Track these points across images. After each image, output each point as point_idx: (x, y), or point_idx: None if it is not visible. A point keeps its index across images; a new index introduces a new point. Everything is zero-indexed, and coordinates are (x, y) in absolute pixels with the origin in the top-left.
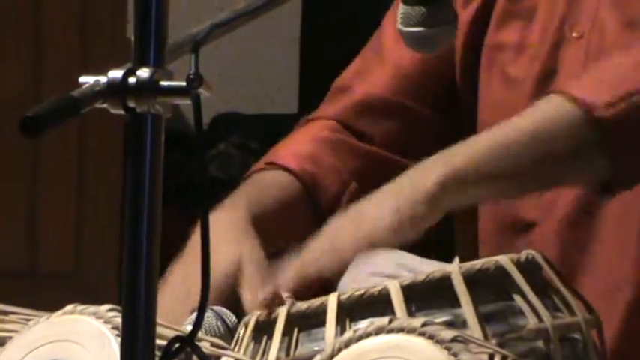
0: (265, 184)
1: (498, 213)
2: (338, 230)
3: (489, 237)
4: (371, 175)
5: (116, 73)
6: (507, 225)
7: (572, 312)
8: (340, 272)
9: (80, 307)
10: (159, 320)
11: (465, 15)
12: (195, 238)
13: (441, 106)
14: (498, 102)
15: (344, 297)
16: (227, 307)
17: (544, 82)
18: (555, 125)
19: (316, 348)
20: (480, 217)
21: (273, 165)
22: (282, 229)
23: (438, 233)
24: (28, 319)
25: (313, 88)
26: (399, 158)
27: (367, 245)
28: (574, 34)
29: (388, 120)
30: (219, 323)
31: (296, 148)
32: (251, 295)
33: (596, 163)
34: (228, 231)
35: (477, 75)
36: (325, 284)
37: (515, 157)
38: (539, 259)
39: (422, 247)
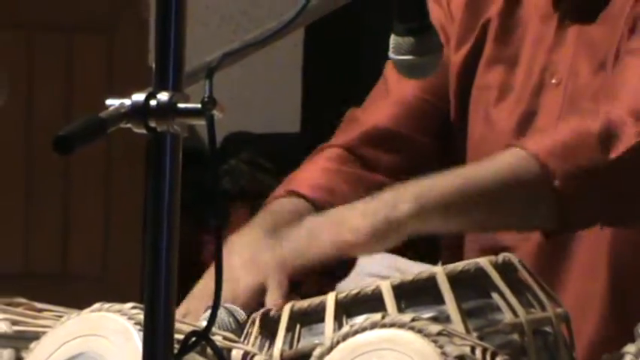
0: (287, 209)
1: (481, 238)
2: (318, 230)
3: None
4: None
5: (139, 97)
6: (488, 248)
7: (543, 308)
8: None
9: (106, 305)
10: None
11: (458, 57)
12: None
13: (438, 135)
14: (479, 139)
15: (341, 296)
16: None
17: (525, 123)
18: (515, 180)
19: (317, 342)
20: (465, 244)
21: (292, 193)
22: None
23: (427, 259)
24: (60, 316)
25: (314, 110)
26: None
27: (341, 251)
28: (553, 81)
29: (391, 148)
30: (230, 320)
31: (312, 178)
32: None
33: (545, 218)
34: (252, 255)
35: (467, 112)
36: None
37: (475, 203)
38: (514, 261)
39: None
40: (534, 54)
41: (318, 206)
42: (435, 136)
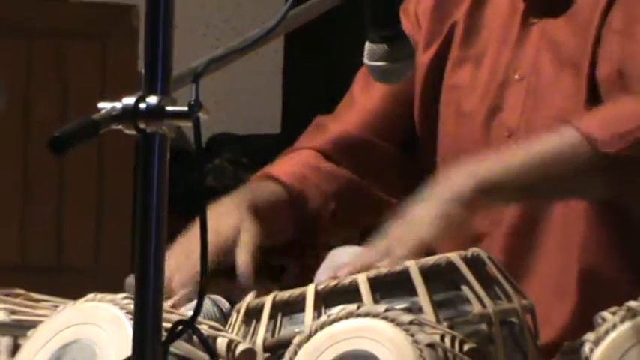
0: (262, 188)
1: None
2: (401, 233)
3: (446, 247)
4: (346, 197)
5: (129, 100)
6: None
7: (510, 300)
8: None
9: (99, 295)
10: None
11: (425, 58)
12: (196, 223)
13: (400, 141)
14: (453, 134)
15: (320, 287)
16: (224, 268)
17: (491, 116)
18: (572, 151)
19: (297, 330)
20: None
21: (270, 177)
22: (267, 224)
23: None
24: (56, 306)
25: (293, 113)
26: (368, 184)
27: (422, 244)
28: (516, 76)
29: (358, 153)
30: (215, 309)
31: (288, 167)
32: (244, 257)
33: (595, 185)
34: (232, 209)
35: (434, 111)
36: None
37: (535, 175)
38: (483, 256)
39: None
40: (499, 52)
41: (291, 191)
42: (399, 142)
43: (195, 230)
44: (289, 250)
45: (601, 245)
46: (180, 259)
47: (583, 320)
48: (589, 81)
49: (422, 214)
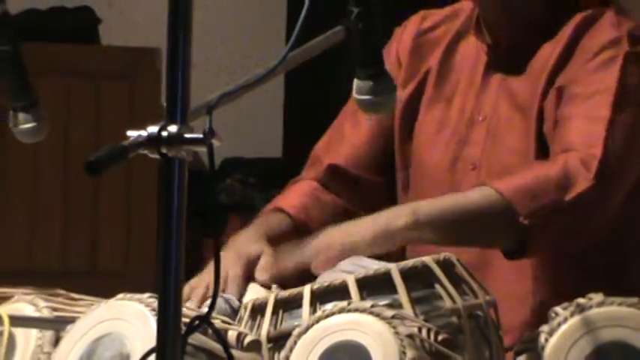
0: (274, 221)
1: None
2: (331, 237)
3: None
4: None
5: (153, 129)
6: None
7: (476, 296)
8: (326, 265)
9: (128, 295)
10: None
11: (403, 94)
12: (225, 247)
13: (383, 173)
14: (421, 167)
15: (315, 287)
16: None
17: (459, 151)
18: (490, 211)
19: (296, 324)
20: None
21: (279, 210)
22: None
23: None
24: (91, 304)
25: (293, 139)
26: (359, 211)
27: (350, 251)
28: (480, 118)
29: (349, 186)
30: (226, 307)
31: (294, 200)
32: (260, 274)
33: (510, 240)
34: (255, 237)
35: (410, 144)
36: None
37: (454, 225)
38: (453, 259)
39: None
40: (466, 95)
41: (297, 222)
42: (380, 175)
43: (223, 253)
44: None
45: (549, 263)
46: (203, 279)
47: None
48: (537, 125)
49: (359, 231)
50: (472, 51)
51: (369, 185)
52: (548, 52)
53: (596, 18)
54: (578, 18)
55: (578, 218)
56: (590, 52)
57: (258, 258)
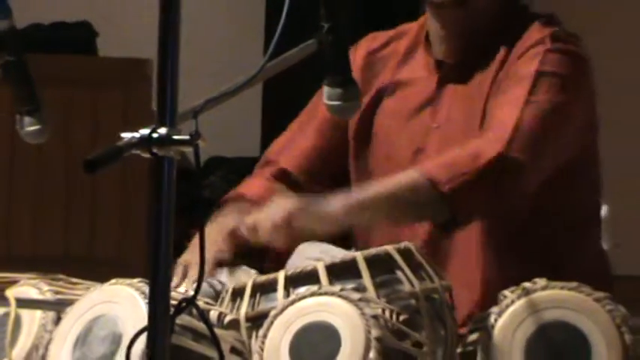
0: (238, 206)
1: (384, 236)
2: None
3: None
4: None
5: (145, 131)
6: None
7: (432, 281)
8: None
9: (120, 279)
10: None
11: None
12: (196, 237)
13: (332, 176)
14: (383, 169)
15: (288, 273)
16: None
17: (415, 157)
18: (415, 189)
19: (271, 305)
20: (374, 240)
21: (242, 196)
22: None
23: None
24: (88, 288)
25: (269, 141)
26: None
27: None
28: (434, 125)
29: (295, 188)
30: (210, 290)
31: (255, 188)
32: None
33: (437, 214)
34: (223, 218)
35: (367, 151)
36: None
37: (388, 205)
38: (412, 247)
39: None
40: (421, 105)
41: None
42: (330, 178)
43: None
44: (255, 255)
45: (495, 251)
46: (192, 255)
47: (488, 301)
48: (482, 120)
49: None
50: (424, 65)
51: (311, 192)
52: (493, 61)
53: (529, 27)
54: (519, 28)
55: (494, 182)
56: (521, 51)
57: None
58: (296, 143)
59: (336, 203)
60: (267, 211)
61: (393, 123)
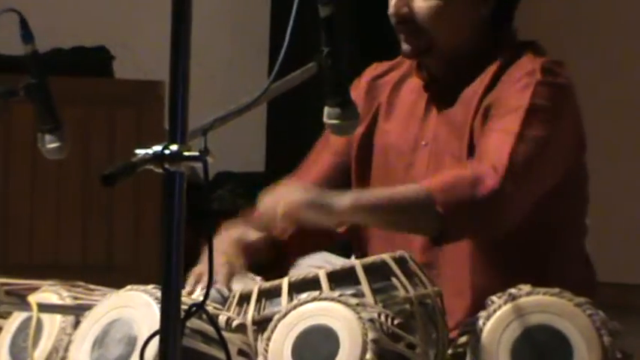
0: (250, 222)
1: (381, 245)
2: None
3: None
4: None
5: (158, 148)
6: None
7: (425, 287)
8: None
9: (135, 286)
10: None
11: (359, 130)
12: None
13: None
14: (381, 183)
15: (292, 279)
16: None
17: (407, 171)
18: (415, 202)
19: (276, 310)
20: (371, 249)
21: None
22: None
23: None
24: (105, 294)
25: (273, 157)
26: None
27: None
28: (423, 143)
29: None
30: (218, 295)
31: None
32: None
33: (429, 227)
34: (233, 230)
35: (367, 167)
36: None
37: (389, 210)
38: (407, 256)
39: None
40: (411, 124)
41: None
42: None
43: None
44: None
45: (483, 260)
46: (202, 266)
47: (474, 313)
48: (469, 142)
49: (304, 201)
50: (414, 89)
51: None
52: (479, 83)
53: (519, 54)
54: (505, 53)
55: (488, 211)
56: (512, 80)
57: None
58: (315, 164)
59: (344, 200)
60: (280, 195)
61: (388, 140)
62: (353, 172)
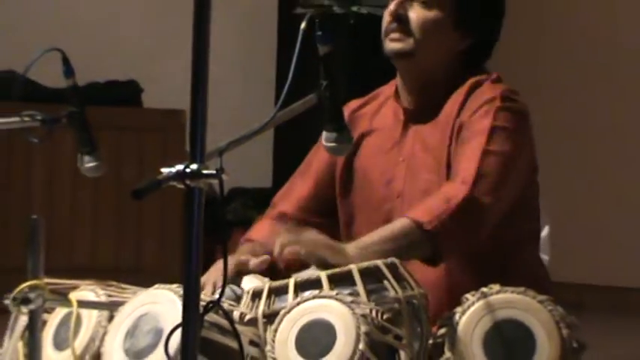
0: (248, 248)
1: None
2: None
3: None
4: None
5: (180, 167)
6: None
7: (412, 289)
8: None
9: (161, 285)
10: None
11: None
12: (220, 259)
13: (324, 216)
14: (362, 201)
15: (297, 280)
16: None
17: (388, 184)
18: (405, 232)
19: (283, 305)
20: None
21: (252, 240)
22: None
23: None
24: (135, 292)
25: (279, 175)
26: None
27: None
28: (401, 159)
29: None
30: (232, 294)
31: (261, 231)
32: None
33: (423, 250)
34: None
35: (350, 187)
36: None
37: (387, 247)
38: (397, 262)
39: None
40: (391, 145)
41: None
42: (324, 217)
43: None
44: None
45: (459, 265)
46: (216, 272)
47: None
48: (448, 161)
49: (329, 249)
50: (392, 113)
51: (313, 225)
52: (450, 107)
53: (481, 82)
54: (471, 81)
55: (466, 218)
56: (475, 107)
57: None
58: (294, 190)
59: (351, 250)
60: (307, 235)
61: (369, 161)
62: (337, 192)
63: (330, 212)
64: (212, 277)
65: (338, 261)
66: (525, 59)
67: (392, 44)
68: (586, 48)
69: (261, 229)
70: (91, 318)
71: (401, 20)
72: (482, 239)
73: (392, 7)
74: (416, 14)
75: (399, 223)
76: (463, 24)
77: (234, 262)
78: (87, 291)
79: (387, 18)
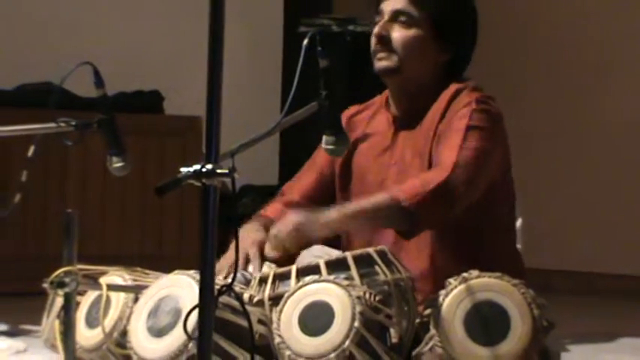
0: (262, 221)
1: (364, 241)
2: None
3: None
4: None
5: (197, 166)
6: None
7: (400, 273)
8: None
9: (181, 271)
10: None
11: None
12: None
13: (326, 204)
14: (360, 194)
15: (299, 266)
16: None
17: (381, 185)
18: (384, 205)
19: (287, 289)
20: (356, 244)
21: (264, 215)
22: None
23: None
24: (157, 277)
25: (285, 173)
26: None
27: (302, 233)
28: (392, 162)
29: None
30: (242, 278)
31: (272, 210)
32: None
33: (399, 223)
34: (256, 228)
35: (348, 184)
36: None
37: (367, 215)
38: (386, 249)
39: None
40: (383, 149)
41: (272, 220)
42: (326, 205)
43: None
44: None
45: (441, 251)
46: (227, 259)
47: (435, 292)
48: (430, 164)
49: (306, 219)
50: (384, 120)
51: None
52: (433, 114)
53: (461, 90)
54: (452, 88)
55: (439, 203)
56: (454, 112)
57: (263, 242)
58: (301, 181)
59: (331, 213)
60: (282, 223)
61: (365, 163)
62: (337, 185)
63: (330, 202)
64: (225, 263)
65: (320, 231)
66: (497, 65)
67: (379, 63)
68: (550, 50)
69: (274, 210)
70: (118, 300)
71: (384, 41)
72: (452, 219)
73: (376, 30)
74: (397, 33)
75: (380, 197)
76: (441, 39)
77: (250, 240)
78: (115, 276)
79: (373, 40)
